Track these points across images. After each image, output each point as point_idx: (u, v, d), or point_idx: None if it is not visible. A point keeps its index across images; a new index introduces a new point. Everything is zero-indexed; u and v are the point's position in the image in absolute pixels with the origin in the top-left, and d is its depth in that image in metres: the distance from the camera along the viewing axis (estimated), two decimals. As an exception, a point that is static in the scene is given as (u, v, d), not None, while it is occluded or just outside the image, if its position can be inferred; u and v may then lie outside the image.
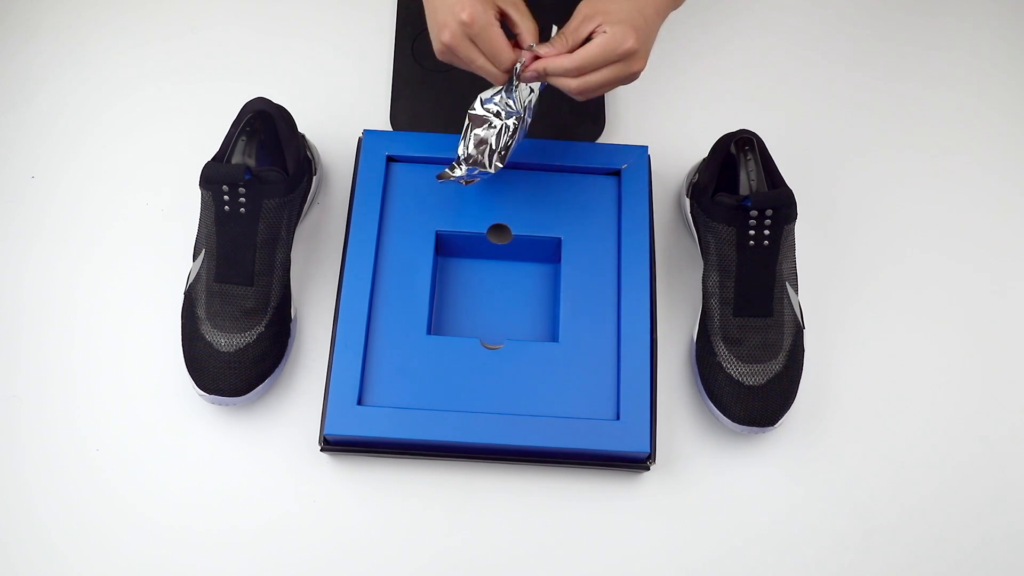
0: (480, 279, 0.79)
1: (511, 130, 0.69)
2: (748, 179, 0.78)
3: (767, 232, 0.72)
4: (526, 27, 0.67)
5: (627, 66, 0.66)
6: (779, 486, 0.74)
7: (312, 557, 0.71)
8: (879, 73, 0.92)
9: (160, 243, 0.81)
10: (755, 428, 0.72)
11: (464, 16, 0.63)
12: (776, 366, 0.73)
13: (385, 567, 0.71)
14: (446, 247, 0.78)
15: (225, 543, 0.71)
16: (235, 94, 0.86)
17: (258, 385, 0.73)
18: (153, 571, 0.70)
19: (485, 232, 0.77)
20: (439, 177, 0.71)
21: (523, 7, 0.67)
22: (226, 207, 0.72)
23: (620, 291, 0.74)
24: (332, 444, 0.72)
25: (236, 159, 0.76)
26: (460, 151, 0.70)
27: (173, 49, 0.90)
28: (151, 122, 0.87)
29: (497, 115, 0.69)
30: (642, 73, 0.68)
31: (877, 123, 0.90)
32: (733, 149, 0.79)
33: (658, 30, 0.68)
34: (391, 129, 0.86)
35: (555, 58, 0.66)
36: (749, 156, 0.78)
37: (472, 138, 0.69)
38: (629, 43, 0.64)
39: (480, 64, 0.66)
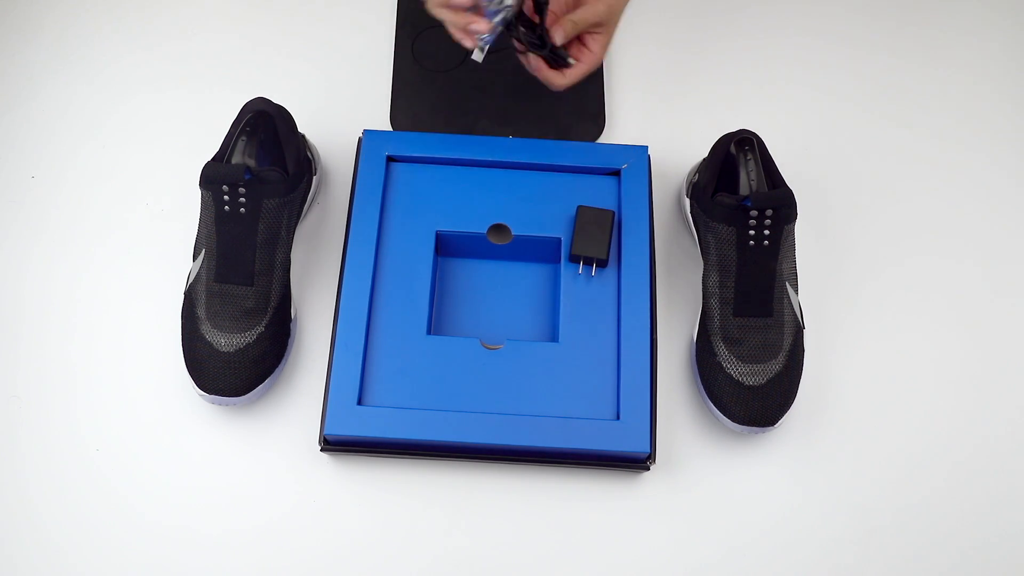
0: (480, 279, 0.79)
1: None
2: (748, 179, 0.78)
3: (767, 232, 0.72)
4: None
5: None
6: (779, 486, 0.74)
7: (312, 557, 0.71)
8: (880, 72, 0.92)
9: (160, 243, 0.81)
10: (755, 428, 0.72)
11: None
12: (776, 366, 0.73)
13: (385, 567, 0.71)
14: (446, 247, 0.78)
15: (225, 543, 0.71)
16: (235, 94, 0.86)
17: (258, 385, 0.73)
18: (153, 571, 0.70)
19: (485, 232, 0.77)
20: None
21: None
22: (226, 207, 0.72)
23: (620, 291, 0.74)
24: (332, 444, 0.72)
25: (236, 159, 0.76)
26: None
27: (173, 49, 0.90)
28: (151, 122, 0.87)
29: None
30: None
31: (878, 122, 0.89)
32: (733, 149, 0.79)
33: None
34: (391, 129, 0.86)
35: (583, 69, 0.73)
36: (749, 156, 0.78)
37: None
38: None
39: None
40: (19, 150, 0.85)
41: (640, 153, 0.79)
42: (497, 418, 0.69)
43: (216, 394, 0.72)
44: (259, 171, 0.72)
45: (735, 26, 0.94)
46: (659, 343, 0.78)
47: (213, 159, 0.74)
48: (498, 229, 0.78)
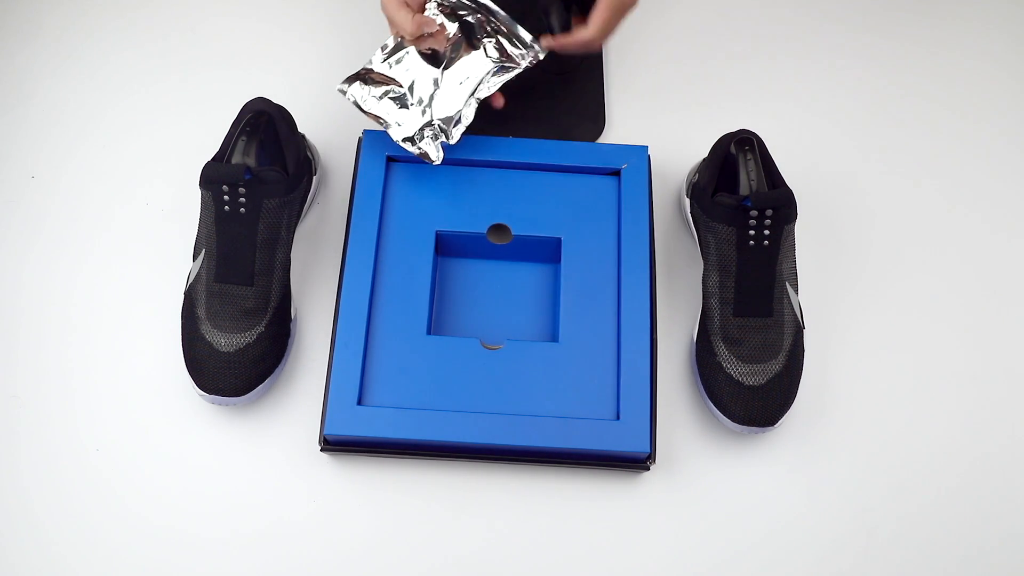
0: (480, 279, 0.79)
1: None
2: (748, 179, 0.78)
3: (767, 232, 0.72)
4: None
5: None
6: (779, 486, 0.74)
7: (312, 557, 0.71)
8: (879, 72, 0.92)
9: (160, 243, 0.81)
10: (755, 428, 0.72)
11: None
12: (776, 366, 0.73)
13: (385, 567, 0.71)
14: (446, 247, 0.78)
15: (224, 543, 0.71)
16: (235, 94, 0.86)
17: (258, 385, 0.73)
18: (152, 572, 0.70)
19: (485, 232, 0.77)
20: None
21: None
22: (226, 207, 0.72)
23: (620, 291, 0.74)
24: (332, 444, 0.72)
25: (236, 159, 0.76)
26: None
27: (173, 49, 0.90)
28: (151, 122, 0.87)
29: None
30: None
31: (878, 122, 0.90)
32: (733, 149, 0.79)
33: None
34: (391, 129, 0.86)
35: (574, 38, 0.74)
36: (749, 156, 0.78)
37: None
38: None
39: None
40: (18, 150, 0.85)
41: (640, 153, 0.79)
42: (497, 418, 0.69)
43: (216, 394, 0.72)
44: (259, 171, 0.72)
45: (735, 26, 0.94)
46: (659, 343, 0.78)
47: (213, 159, 0.74)
48: (498, 229, 0.78)
